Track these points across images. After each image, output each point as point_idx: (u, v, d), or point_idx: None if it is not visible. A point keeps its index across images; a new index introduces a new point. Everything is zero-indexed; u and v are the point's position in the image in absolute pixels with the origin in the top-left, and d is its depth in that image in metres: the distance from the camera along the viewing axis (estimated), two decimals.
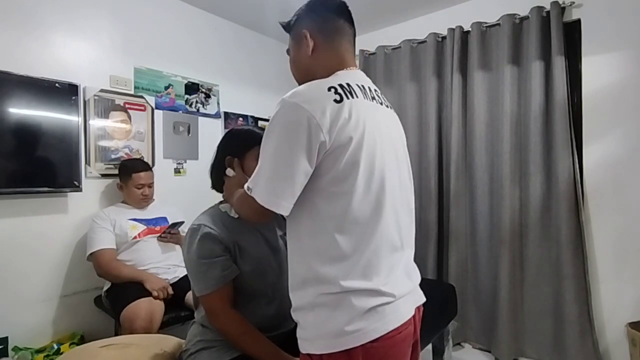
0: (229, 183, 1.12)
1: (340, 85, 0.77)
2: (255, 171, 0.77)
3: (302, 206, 0.76)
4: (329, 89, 0.75)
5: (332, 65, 0.86)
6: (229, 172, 1.10)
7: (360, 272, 0.74)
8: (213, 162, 1.17)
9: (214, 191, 1.21)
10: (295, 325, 0.82)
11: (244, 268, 1.05)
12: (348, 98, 0.75)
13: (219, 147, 1.16)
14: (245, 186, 0.78)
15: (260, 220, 0.82)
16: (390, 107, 0.92)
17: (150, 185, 1.99)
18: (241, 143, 1.11)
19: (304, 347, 0.78)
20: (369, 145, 0.76)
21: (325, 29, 0.87)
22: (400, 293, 0.79)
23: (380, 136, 0.79)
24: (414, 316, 0.82)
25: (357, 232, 0.75)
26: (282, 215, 0.92)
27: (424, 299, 0.88)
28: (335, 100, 0.74)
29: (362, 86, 0.82)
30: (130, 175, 1.91)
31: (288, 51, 0.96)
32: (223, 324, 1.02)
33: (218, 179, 1.16)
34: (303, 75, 0.90)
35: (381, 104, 0.87)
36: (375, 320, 0.74)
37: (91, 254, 1.77)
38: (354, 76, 0.85)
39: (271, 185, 0.73)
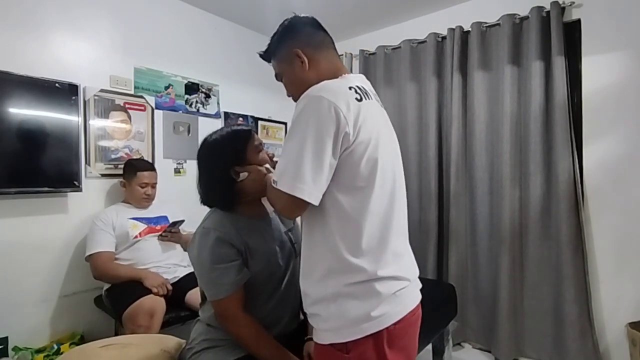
0: (250, 185, 1.05)
1: (357, 87, 0.81)
2: (279, 164, 0.79)
3: (324, 201, 0.78)
4: (350, 88, 0.79)
5: (331, 73, 0.89)
6: (243, 175, 1.04)
7: (384, 260, 0.79)
8: (208, 180, 1.08)
9: None
10: (299, 324, 0.82)
11: (254, 268, 1.05)
12: (365, 99, 0.81)
13: (210, 158, 1.08)
14: (272, 180, 0.80)
15: (293, 214, 0.82)
16: (384, 108, 0.97)
17: (154, 186, 1.99)
18: (234, 145, 1.06)
19: (327, 338, 0.80)
20: (384, 144, 0.82)
21: (312, 43, 0.92)
22: (412, 277, 0.87)
23: (387, 136, 0.87)
24: (420, 298, 0.90)
25: (377, 223, 0.79)
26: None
27: (421, 285, 0.95)
28: (357, 99, 0.78)
29: (369, 89, 0.88)
30: (135, 173, 1.92)
31: (277, 76, 0.99)
32: (237, 329, 1.02)
33: (223, 190, 1.07)
34: (303, 89, 0.86)
35: (381, 105, 0.93)
36: (397, 304, 0.80)
37: (89, 256, 1.77)
38: (360, 80, 0.89)
39: (299, 173, 0.73)
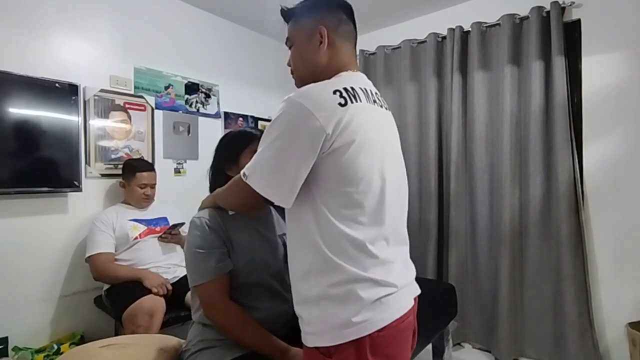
0: None
1: (345, 89, 0.79)
2: (253, 160, 0.79)
3: (305, 203, 0.78)
4: (334, 92, 0.77)
5: (338, 67, 0.87)
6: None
7: (366, 264, 0.77)
8: (212, 165, 1.19)
9: None
10: (295, 331, 0.82)
11: (237, 263, 1.06)
12: (352, 102, 0.78)
13: (216, 151, 1.19)
14: (241, 172, 0.80)
15: (249, 210, 0.89)
16: (388, 109, 0.94)
17: (153, 186, 2.00)
18: (235, 145, 1.15)
19: (311, 341, 0.79)
20: (370, 147, 0.79)
21: (339, 31, 0.88)
22: (402, 284, 0.83)
23: (380, 138, 0.83)
24: (413, 306, 0.86)
25: (360, 227, 0.78)
26: (282, 213, 0.97)
27: (419, 291, 0.92)
28: (340, 104, 0.76)
29: (365, 89, 0.85)
30: (134, 174, 1.92)
31: (288, 41, 0.93)
32: (221, 316, 1.02)
33: (218, 181, 1.14)
34: (308, 71, 0.89)
35: (381, 106, 0.90)
36: (382, 311, 0.77)
37: (89, 257, 1.77)
38: (357, 79, 0.86)
39: (270, 175, 0.76)
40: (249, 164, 0.80)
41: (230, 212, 1.11)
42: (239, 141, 1.15)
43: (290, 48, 0.93)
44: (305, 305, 0.80)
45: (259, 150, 0.79)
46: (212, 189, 1.18)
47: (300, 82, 0.90)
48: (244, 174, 0.79)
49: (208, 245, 1.03)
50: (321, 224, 0.77)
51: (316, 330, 0.78)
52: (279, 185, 0.76)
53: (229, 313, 1.02)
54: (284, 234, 1.19)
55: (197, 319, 1.11)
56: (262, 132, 1.18)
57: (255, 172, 0.78)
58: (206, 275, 1.02)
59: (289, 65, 0.95)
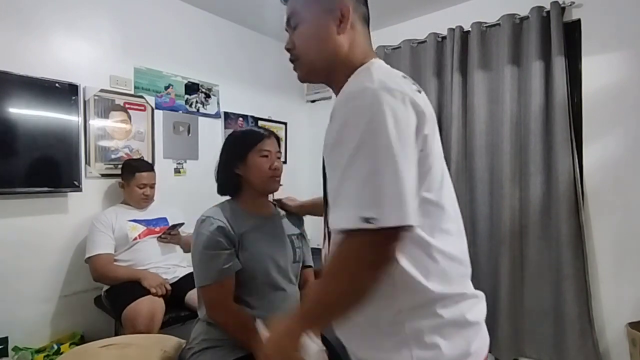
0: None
1: (404, 76, 0.66)
2: (357, 190, 0.54)
3: None
4: (403, 77, 0.64)
5: (362, 54, 0.70)
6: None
7: (462, 281, 0.67)
8: (219, 165, 1.18)
9: (213, 191, 1.21)
10: None
11: (247, 262, 1.06)
12: (420, 91, 0.66)
13: (223, 151, 1.19)
14: (359, 218, 0.52)
15: (390, 259, 0.56)
16: None
17: (152, 186, 1.99)
18: (242, 144, 1.15)
19: None
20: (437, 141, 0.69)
21: (360, 11, 0.72)
22: (481, 296, 0.72)
23: None
24: None
25: (448, 237, 0.66)
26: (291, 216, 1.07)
27: None
28: (418, 90, 0.63)
29: None
30: (133, 174, 1.92)
31: (290, 21, 0.72)
32: (224, 318, 1.02)
33: (227, 181, 1.16)
34: (323, 56, 0.70)
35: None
36: (481, 337, 0.66)
37: (88, 258, 1.77)
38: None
39: (400, 193, 0.53)
40: (355, 200, 0.54)
41: (242, 210, 1.11)
42: (247, 140, 1.15)
43: (293, 29, 0.72)
44: (394, 348, 0.60)
45: (344, 170, 0.55)
46: (220, 189, 1.18)
47: (308, 71, 0.72)
48: (368, 219, 0.52)
49: (216, 245, 1.03)
50: (410, 247, 0.59)
51: None
52: (411, 198, 0.54)
53: (231, 314, 1.02)
54: (293, 235, 1.20)
55: (204, 317, 1.11)
56: (269, 131, 1.18)
57: (383, 205, 0.52)
58: (212, 276, 1.02)
59: (288, 50, 0.73)
